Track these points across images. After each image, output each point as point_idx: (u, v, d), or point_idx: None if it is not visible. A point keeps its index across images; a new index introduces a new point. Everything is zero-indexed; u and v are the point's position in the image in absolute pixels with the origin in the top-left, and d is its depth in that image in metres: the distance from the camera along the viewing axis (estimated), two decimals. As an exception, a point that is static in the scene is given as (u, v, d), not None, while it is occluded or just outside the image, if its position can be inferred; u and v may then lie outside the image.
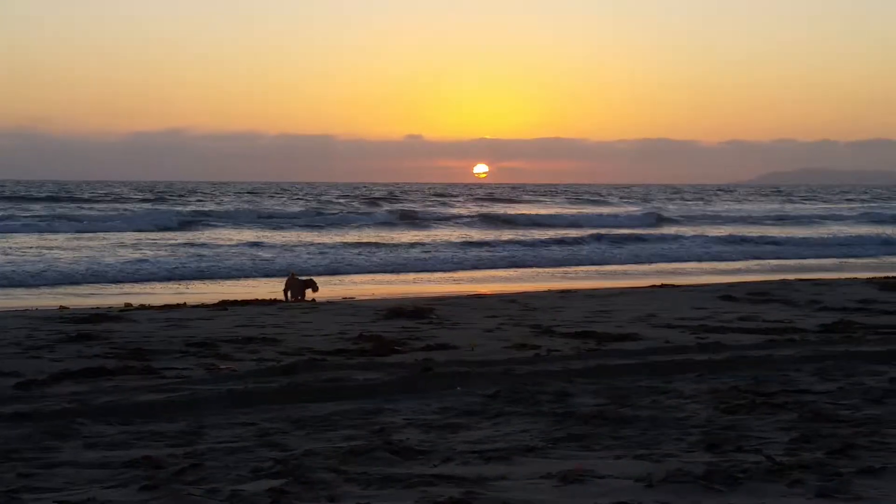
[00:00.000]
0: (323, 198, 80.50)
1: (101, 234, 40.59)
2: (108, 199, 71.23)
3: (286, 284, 19.37)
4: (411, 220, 53.09)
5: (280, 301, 18.22)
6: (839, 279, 22.71)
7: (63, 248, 33.72)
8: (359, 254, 33.25)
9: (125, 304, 17.83)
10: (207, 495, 5.33)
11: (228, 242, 37.10)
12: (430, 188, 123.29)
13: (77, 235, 40.00)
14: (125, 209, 57.36)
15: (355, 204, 70.22)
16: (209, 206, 62.19)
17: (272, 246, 35.77)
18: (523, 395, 8.72)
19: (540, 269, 30.17)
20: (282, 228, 46.39)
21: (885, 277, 22.50)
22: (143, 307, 17.06)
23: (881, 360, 10.56)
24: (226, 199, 74.77)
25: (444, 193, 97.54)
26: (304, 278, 19.66)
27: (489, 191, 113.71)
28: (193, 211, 55.03)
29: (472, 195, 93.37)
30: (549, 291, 20.34)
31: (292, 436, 7.29)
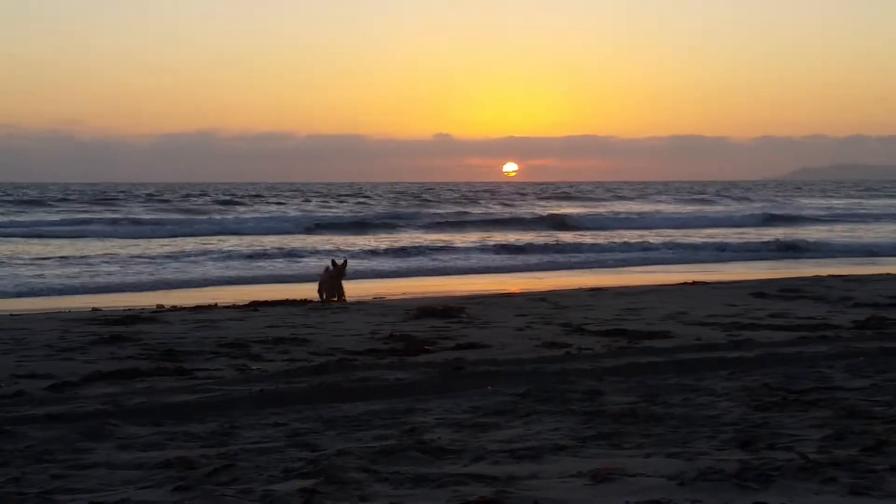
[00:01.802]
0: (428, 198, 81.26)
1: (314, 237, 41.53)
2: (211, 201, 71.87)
3: (321, 281, 17.88)
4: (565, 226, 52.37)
5: (312, 301, 18.09)
6: (872, 275, 22.55)
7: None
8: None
9: (157, 305, 17.92)
10: (240, 496, 5.36)
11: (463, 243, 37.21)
12: (520, 188, 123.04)
13: (285, 237, 40.50)
14: (272, 211, 57.70)
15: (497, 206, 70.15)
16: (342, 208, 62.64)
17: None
18: (553, 393, 8.71)
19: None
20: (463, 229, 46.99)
21: (918, 273, 22.32)
22: (174, 308, 17.14)
23: (915, 356, 10.48)
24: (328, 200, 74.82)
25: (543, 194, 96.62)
26: (331, 260, 18.17)
27: (545, 189, 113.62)
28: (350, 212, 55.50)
29: (563, 193, 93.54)
30: (580, 289, 20.30)
31: (323, 436, 7.31)
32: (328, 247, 35.64)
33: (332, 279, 17.69)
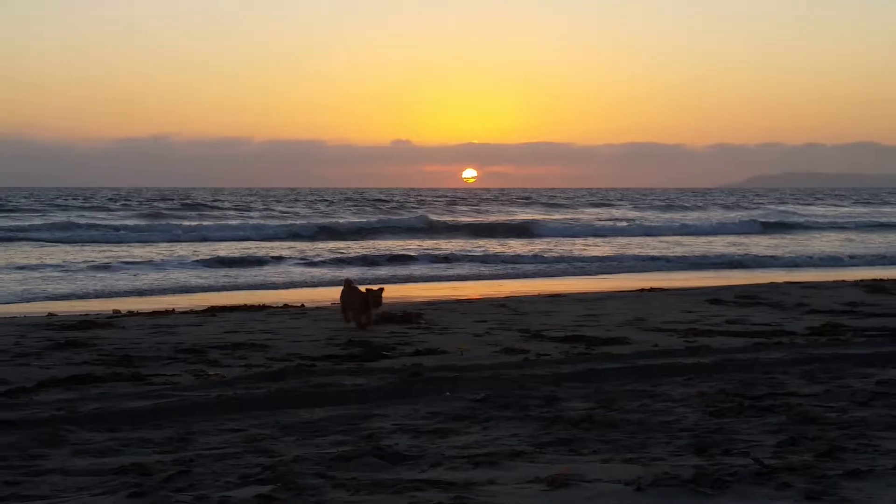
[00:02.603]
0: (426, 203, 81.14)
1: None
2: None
3: (342, 299, 15.10)
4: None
5: (269, 307, 18.00)
6: (827, 282, 22.75)
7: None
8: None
9: (113, 310, 17.78)
10: (196, 502, 5.33)
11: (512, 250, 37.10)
12: (548, 195, 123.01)
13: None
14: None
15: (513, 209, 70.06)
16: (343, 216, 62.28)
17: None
18: (512, 399, 8.73)
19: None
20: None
21: (873, 280, 22.56)
22: (131, 313, 17.02)
23: (868, 363, 10.60)
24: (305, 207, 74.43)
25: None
26: (364, 288, 15.00)
27: (529, 195, 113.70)
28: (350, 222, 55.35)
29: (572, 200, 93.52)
30: (538, 296, 20.35)
31: (281, 441, 7.28)
32: (288, 252, 35.48)
33: (365, 307, 14.58)
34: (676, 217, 68.69)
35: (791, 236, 50.44)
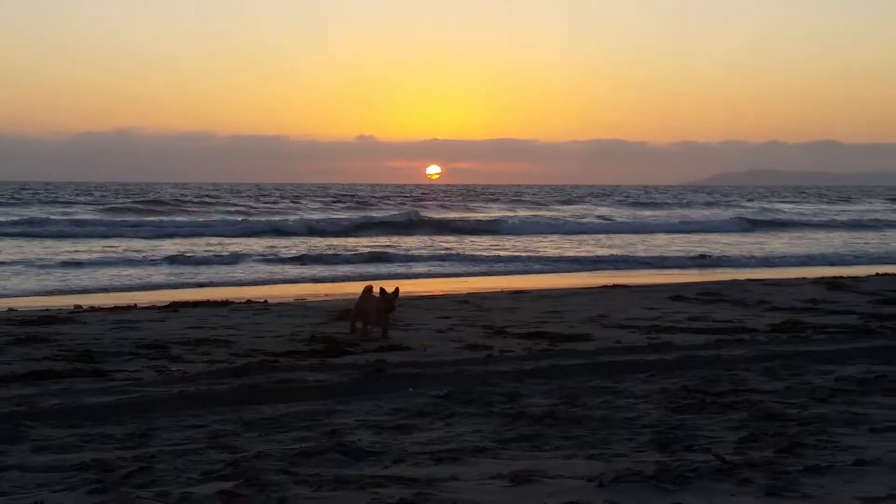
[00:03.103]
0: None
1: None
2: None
3: (357, 306, 13.63)
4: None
5: (233, 303, 17.91)
6: (789, 279, 22.92)
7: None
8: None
9: (75, 305, 17.66)
10: (157, 498, 5.30)
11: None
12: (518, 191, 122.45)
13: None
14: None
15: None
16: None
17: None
18: (475, 395, 8.74)
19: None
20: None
21: (833, 277, 22.74)
22: (92, 309, 16.90)
23: (828, 360, 10.69)
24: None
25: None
26: (378, 288, 13.54)
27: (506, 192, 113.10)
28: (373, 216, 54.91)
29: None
30: (502, 292, 20.38)
31: (243, 437, 7.26)
32: (258, 248, 35.36)
33: (378, 309, 13.24)
34: (661, 215, 67.72)
35: (782, 234, 50.21)
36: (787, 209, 77.39)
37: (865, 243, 42.59)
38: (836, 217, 65.83)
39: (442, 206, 75.00)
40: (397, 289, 13.49)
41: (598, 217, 62.75)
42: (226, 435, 7.35)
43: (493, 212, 69.08)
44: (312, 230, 47.04)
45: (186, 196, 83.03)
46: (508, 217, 60.09)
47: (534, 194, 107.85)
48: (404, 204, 77.83)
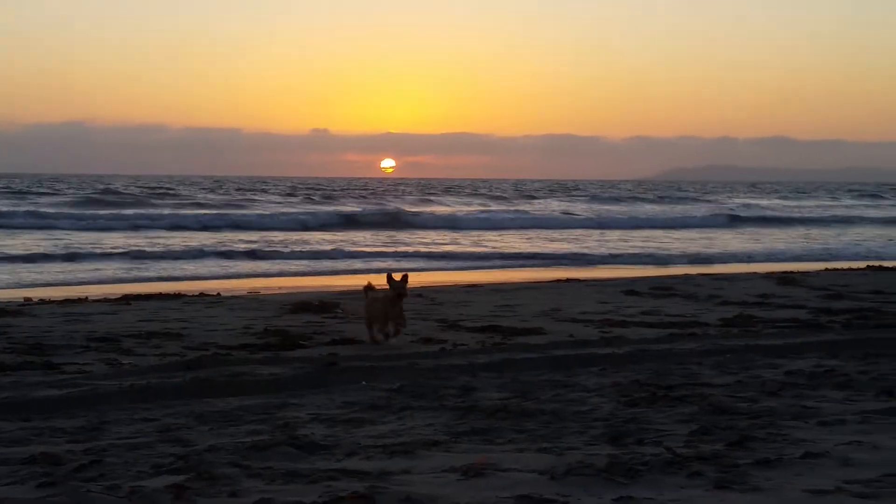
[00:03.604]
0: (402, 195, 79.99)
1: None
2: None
3: (368, 308, 12.22)
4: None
5: (185, 296, 17.80)
6: (740, 273, 23.12)
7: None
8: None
9: (24, 298, 17.49)
10: (107, 492, 5.26)
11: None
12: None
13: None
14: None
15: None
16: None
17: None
18: (428, 389, 8.75)
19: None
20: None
21: (784, 272, 22.96)
22: (42, 301, 16.75)
23: (778, 354, 10.79)
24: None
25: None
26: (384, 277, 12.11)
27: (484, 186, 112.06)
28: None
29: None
30: (455, 286, 20.40)
31: (195, 431, 7.22)
32: (211, 242, 35.14)
33: (386, 304, 11.97)
34: (627, 210, 66.82)
35: (768, 230, 49.88)
36: (774, 205, 77.18)
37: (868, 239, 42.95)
38: (829, 212, 65.83)
39: (403, 200, 74.34)
40: (406, 275, 12.16)
41: (585, 215, 61.37)
42: (177, 428, 7.31)
43: (462, 206, 68.23)
44: (267, 225, 46.44)
45: (140, 189, 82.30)
46: (481, 212, 59.46)
47: (505, 189, 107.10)
48: (365, 198, 77.50)
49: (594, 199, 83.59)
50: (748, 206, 73.05)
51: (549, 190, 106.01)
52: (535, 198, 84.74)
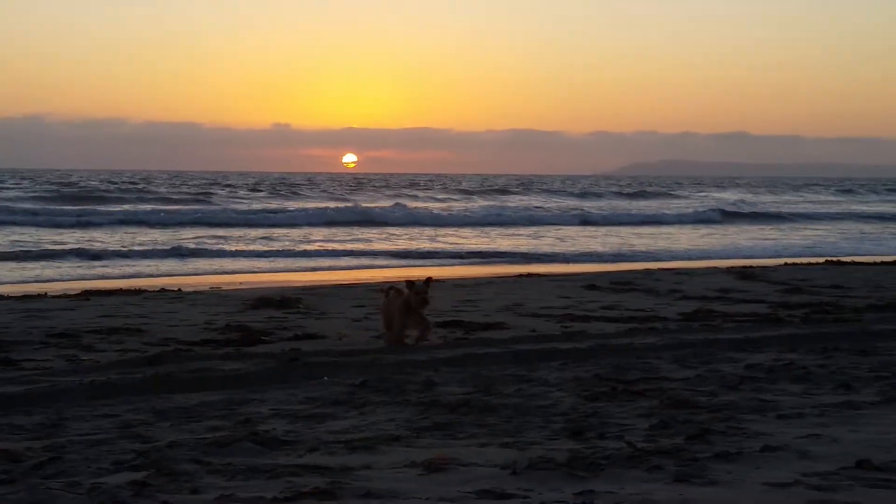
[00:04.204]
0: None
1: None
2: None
3: (385, 311, 11.44)
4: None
5: (146, 291, 17.66)
6: (699, 268, 23.24)
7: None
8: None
9: (-18, 293, 17.32)
10: (67, 489, 5.23)
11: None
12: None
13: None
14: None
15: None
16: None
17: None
18: (390, 384, 8.75)
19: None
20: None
21: (743, 267, 23.11)
22: (1, 297, 16.60)
23: (737, 348, 10.87)
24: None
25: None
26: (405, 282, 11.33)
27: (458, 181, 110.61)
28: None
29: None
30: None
31: (156, 427, 7.19)
32: (172, 238, 34.90)
33: (402, 309, 11.11)
34: (621, 205, 66.29)
35: (774, 227, 49.34)
36: (766, 201, 76.42)
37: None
38: (832, 209, 65.37)
39: (366, 196, 73.36)
40: (429, 279, 11.41)
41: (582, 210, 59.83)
42: (138, 425, 7.27)
43: (434, 203, 67.16)
44: (226, 221, 45.61)
45: (99, 183, 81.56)
46: (466, 208, 58.88)
47: (472, 184, 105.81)
48: (327, 191, 76.95)
49: (571, 195, 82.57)
50: (743, 202, 71.76)
51: (522, 185, 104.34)
52: (510, 193, 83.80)
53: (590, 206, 64.51)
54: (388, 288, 11.70)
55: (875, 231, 47.01)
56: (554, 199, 74.31)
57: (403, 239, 37.93)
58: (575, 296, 16.67)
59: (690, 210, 59.20)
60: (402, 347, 11.04)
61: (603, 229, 45.77)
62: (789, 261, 26.61)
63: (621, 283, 18.62)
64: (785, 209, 63.48)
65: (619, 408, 7.52)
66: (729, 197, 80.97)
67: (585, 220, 50.58)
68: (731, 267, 23.31)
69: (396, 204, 59.19)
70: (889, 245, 37.32)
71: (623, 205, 68.57)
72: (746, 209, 61.65)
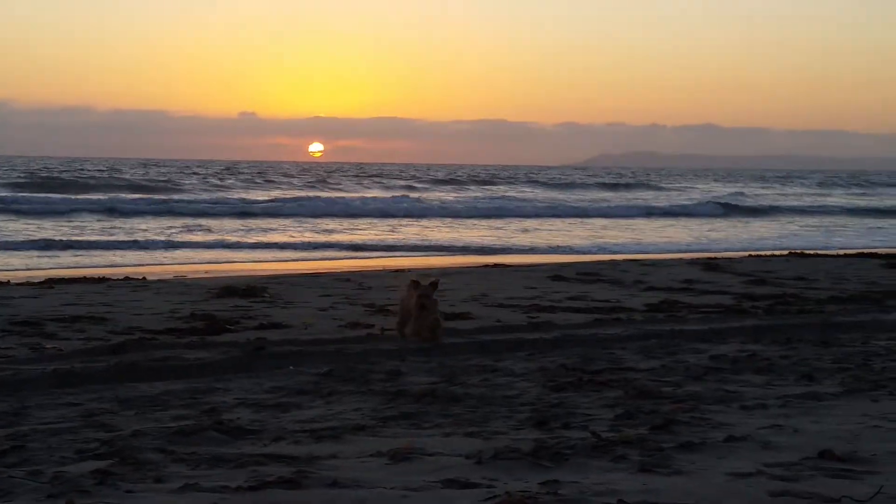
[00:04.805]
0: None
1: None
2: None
3: (402, 306, 10.96)
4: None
5: (110, 280, 17.56)
6: (665, 259, 23.35)
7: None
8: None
9: (-56, 281, 17.16)
10: (29, 477, 5.20)
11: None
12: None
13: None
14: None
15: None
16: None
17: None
18: (356, 373, 8.74)
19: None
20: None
21: (709, 258, 23.23)
22: (-37, 285, 16.45)
23: (702, 339, 10.93)
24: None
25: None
26: (412, 281, 10.87)
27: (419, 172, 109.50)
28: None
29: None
30: (384, 270, 20.38)
31: (120, 416, 7.16)
32: (136, 227, 34.69)
33: (413, 307, 10.67)
34: (623, 197, 65.45)
35: (773, 220, 49.16)
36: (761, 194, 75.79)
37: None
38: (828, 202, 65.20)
39: (332, 187, 72.84)
40: (436, 280, 10.92)
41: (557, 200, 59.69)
42: (101, 413, 7.24)
43: (413, 192, 66.29)
44: (191, 211, 44.79)
45: (63, 172, 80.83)
46: (465, 198, 58.24)
47: (438, 174, 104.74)
48: (305, 182, 76.42)
49: (549, 186, 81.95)
50: (742, 194, 71.16)
51: (494, 175, 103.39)
52: (491, 183, 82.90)
53: (576, 198, 64.04)
54: (412, 281, 10.90)
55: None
56: (535, 191, 73.47)
57: (377, 230, 37.84)
58: (541, 286, 16.70)
59: (690, 203, 58.27)
60: (368, 337, 11.03)
61: (603, 221, 45.22)
62: (754, 253, 26.76)
63: (587, 273, 18.67)
64: (782, 203, 62.91)
65: (584, 398, 7.55)
66: (720, 190, 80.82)
67: (584, 213, 49.60)
68: (696, 258, 23.43)
69: (399, 196, 58.07)
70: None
71: (605, 196, 67.71)
72: (747, 202, 61.23)
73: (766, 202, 62.89)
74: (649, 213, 51.18)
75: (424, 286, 10.62)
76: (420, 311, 10.56)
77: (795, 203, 63.49)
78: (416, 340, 10.61)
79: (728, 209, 54.81)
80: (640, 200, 61.74)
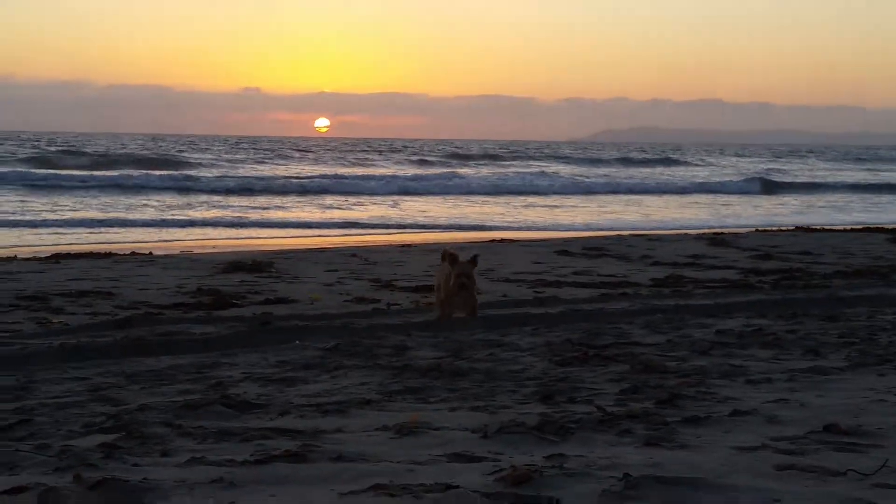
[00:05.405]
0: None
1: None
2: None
3: (437, 280, 10.68)
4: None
5: (116, 255, 17.58)
6: (671, 235, 23.33)
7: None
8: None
9: (-49, 256, 17.20)
10: (36, 451, 5.21)
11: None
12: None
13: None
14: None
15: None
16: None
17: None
18: (362, 348, 8.75)
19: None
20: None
21: (714, 233, 23.20)
22: (-30, 260, 16.49)
23: (708, 313, 10.93)
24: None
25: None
26: (447, 254, 10.50)
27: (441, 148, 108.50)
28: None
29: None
30: (390, 246, 20.38)
31: (126, 390, 7.17)
32: (141, 203, 34.70)
33: (447, 283, 10.34)
34: (652, 173, 64.91)
35: (818, 197, 48.30)
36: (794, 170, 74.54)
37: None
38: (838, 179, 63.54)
39: (339, 163, 72.29)
40: (476, 255, 10.44)
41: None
42: (108, 388, 7.25)
43: (430, 169, 65.27)
44: (195, 187, 44.43)
45: (60, 147, 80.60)
46: (498, 175, 57.59)
47: (442, 150, 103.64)
48: (312, 158, 76.13)
49: (576, 161, 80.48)
50: (779, 170, 70.07)
51: (514, 152, 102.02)
52: (500, 159, 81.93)
53: (598, 172, 63.56)
54: (444, 252, 10.53)
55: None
56: (571, 167, 72.32)
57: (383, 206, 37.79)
58: (547, 261, 16.71)
59: (726, 180, 57.22)
60: (374, 312, 11.04)
61: (645, 198, 44.49)
62: (760, 227, 26.72)
63: (593, 248, 18.67)
64: (819, 180, 61.39)
65: (589, 372, 7.55)
66: (748, 165, 79.94)
67: (615, 189, 48.89)
68: (703, 233, 23.41)
69: (447, 172, 57.68)
70: None
71: (637, 172, 66.45)
72: (788, 179, 60.25)
73: (802, 179, 61.86)
74: (696, 189, 50.59)
75: (463, 263, 10.10)
76: (460, 290, 10.14)
77: (839, 179, 61.79)
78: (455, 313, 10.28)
79: (768, 185, 54.12)
80: (676, 177, 61.08)
